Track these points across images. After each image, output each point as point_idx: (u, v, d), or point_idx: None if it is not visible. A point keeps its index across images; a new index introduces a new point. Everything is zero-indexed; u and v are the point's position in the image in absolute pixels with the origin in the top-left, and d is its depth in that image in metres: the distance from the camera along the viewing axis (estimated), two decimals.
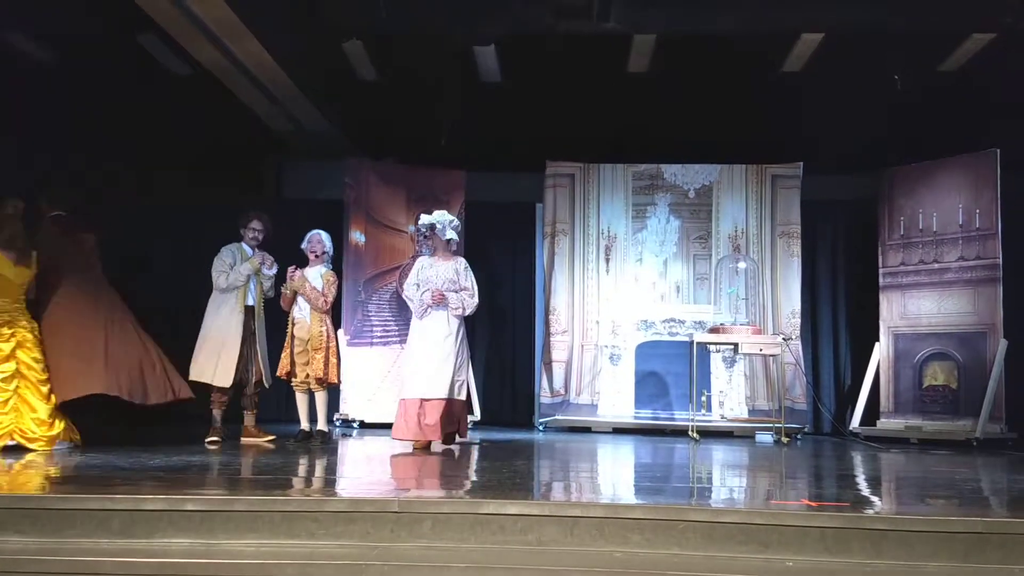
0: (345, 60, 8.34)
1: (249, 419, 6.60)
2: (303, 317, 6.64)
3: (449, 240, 6.44)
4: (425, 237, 6.62)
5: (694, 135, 9.00)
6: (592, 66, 8.27)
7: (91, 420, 6.24)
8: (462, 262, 6.49)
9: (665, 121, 8.88)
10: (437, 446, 6.40)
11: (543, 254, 9.28)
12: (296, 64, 7.56)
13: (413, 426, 6.18)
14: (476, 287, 6.47)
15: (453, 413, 6.30)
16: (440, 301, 6.27)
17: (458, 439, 6.63)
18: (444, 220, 6.43)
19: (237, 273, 6.49)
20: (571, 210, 9.21)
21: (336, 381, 6.84)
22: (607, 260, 9.16)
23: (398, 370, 8.78)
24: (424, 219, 6.49)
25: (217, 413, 6.44)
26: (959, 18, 7.35)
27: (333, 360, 6.65)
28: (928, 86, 8.31)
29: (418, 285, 6.35)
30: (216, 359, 6.37)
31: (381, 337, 8.86)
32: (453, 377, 6.23)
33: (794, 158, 9.01)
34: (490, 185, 9.29)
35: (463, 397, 6.39)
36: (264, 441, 6.50)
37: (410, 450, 6.24)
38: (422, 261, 6.52)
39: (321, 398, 6.68)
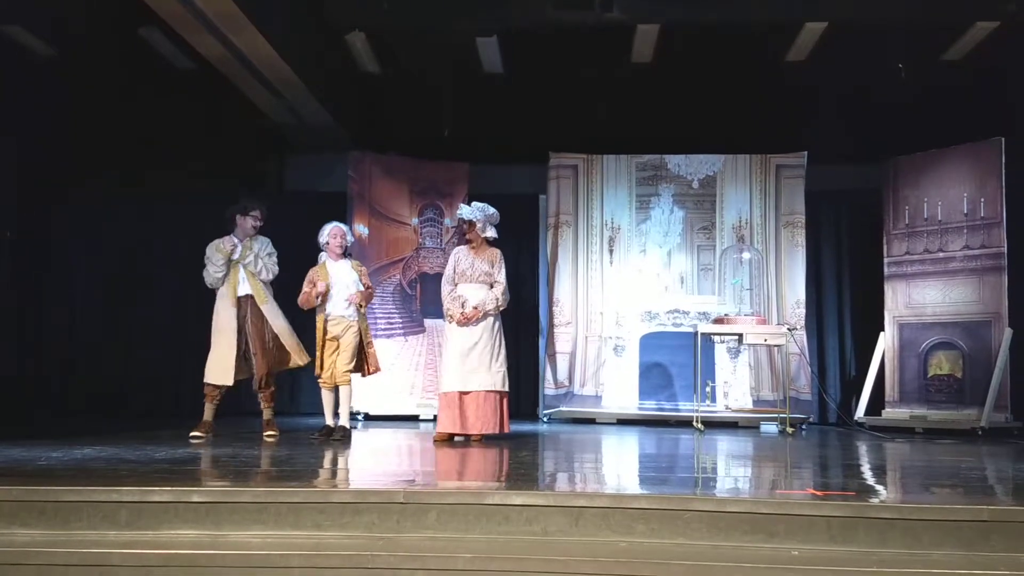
0: (347, 53, 8.35)
1: (265, 413, 6.42)
2: (341, 315, 6.35)
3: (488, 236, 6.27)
4: (463, 233, 6.34)
5: (698, 125, 8.98)
6: (595, 56, 8.25)
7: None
8: (498, 254, 6.30)
9: (668, 111, 8.87)
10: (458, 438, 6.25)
11: (547, 246, 9.26)
12: (299, 57, 7.54)
13: (449, 419, 6.10)
14: (505, 280, 6.31)
15: (495, 405, 6.16)
16: (473, 318, 6.09)
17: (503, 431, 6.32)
18: (484, 215, 6.23)
19: (212, 266, 6.30)
20: (574, 201, 9.19)
21: (380, 368, 6.66)
22: (611, 251, 9.15)
23: (402, 362, 8.83)
24: (464, 212, 6.28)
25: (208, 408, 6.32)
26: (963, 6, 7.33)
27: (372, 351, 6.54)
28: (932, 75, 8.28)
29: (455, 285, 6.21)
30: (213, 357, 6.29)
31: (385, 330, 8.85)
32: (492, 368, 6.12)
33: (798, 148, 8.97)
34: (493, 177, 9.26)
35: (506, 388, 6.21)
36: (265, 435, 6.34)
37: (422, 442, 6.19)
38: (458, 253, 6.33)
39: (345, 394, 6.45)
